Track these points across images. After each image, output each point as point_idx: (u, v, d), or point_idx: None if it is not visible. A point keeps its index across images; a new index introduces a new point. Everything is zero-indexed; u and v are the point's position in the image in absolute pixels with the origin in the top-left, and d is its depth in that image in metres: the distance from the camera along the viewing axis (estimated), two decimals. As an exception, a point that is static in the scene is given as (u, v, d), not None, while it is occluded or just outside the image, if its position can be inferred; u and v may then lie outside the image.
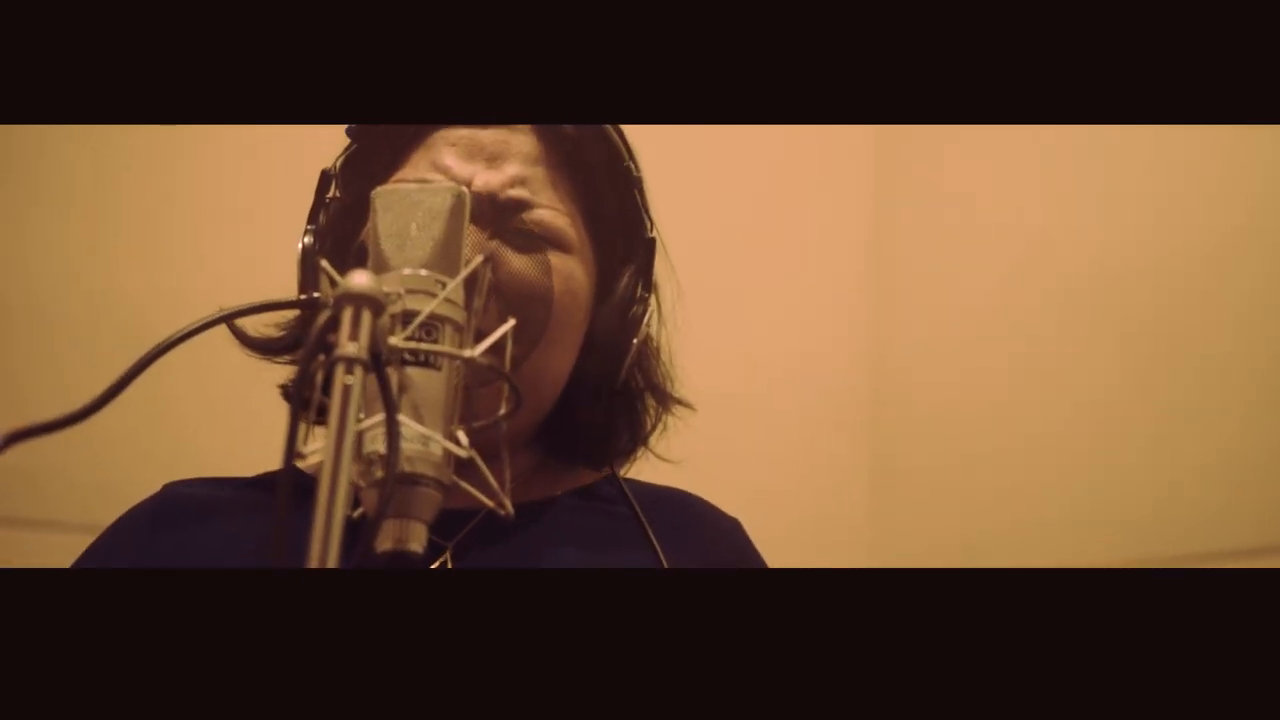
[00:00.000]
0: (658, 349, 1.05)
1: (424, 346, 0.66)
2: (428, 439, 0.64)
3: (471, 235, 0.89)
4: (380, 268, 0.69)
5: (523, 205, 0.94)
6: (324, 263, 0.68)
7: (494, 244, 0.92)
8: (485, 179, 0.94)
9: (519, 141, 0.96)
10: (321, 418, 0.59)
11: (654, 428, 1.05)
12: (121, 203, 1.79)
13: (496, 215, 0.94)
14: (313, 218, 0.97)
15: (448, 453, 0.65)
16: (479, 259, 0.72)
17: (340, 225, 0.97)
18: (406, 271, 0.68)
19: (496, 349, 0.70)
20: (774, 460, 2.01)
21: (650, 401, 1.04)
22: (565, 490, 1.01)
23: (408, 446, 0.63)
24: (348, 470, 0.57)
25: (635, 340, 0.97)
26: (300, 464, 0.61)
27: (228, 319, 0.69)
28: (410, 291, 0.67)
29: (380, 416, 0.61)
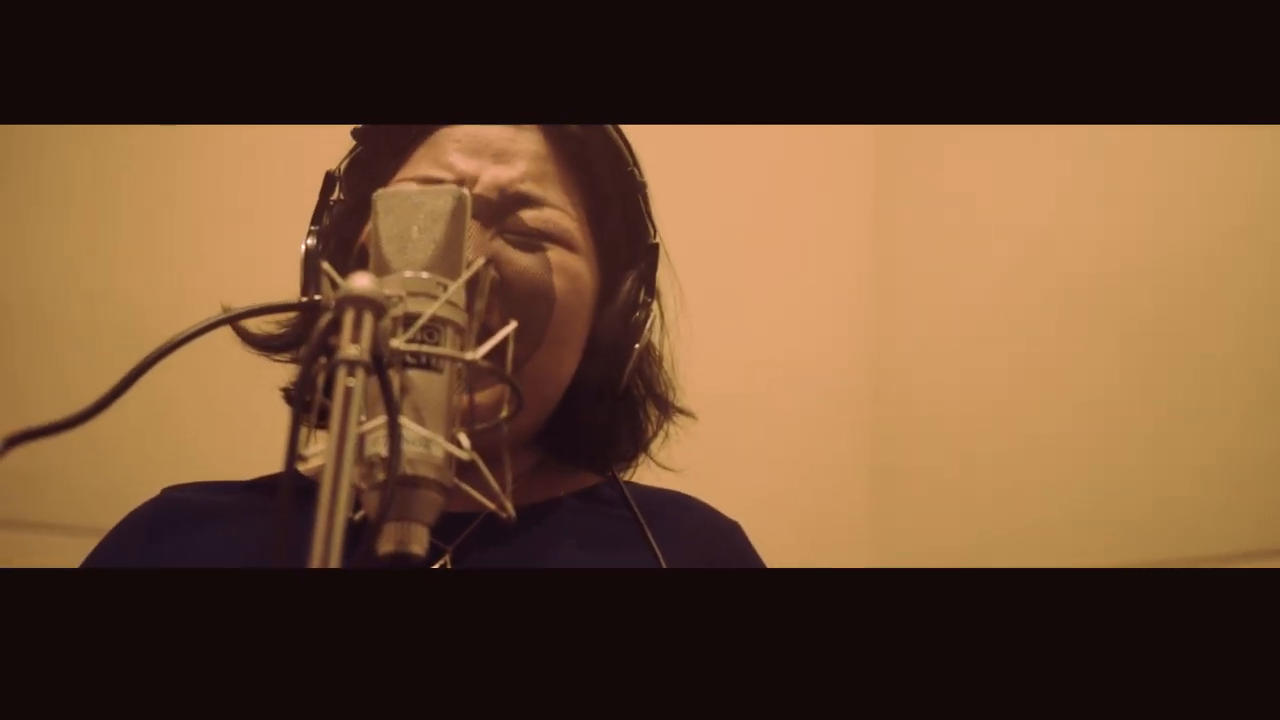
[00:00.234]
0: (660, 357, 1.05)
1: (425, 349, 0.66)
2: (429, 441, 0.64)
3: (474, 235, 0.89)
4: (381, 270, 0.69)
5: (530, 201, 0.94)
6: (326, 265, 0.68)
7: (497, 244, 0.92)
8: (494, 174, 0.94)
9: (526, 139, 0.96)
10: (322, 421, 0.59)
11: (655, 435, 1.04)
12: (121, 203, 1.79)
13: (499, 213, 0.94)
14: (316, 219, 0.97)
15: (449, 455, 0.65)
16: (480, 261, 0.72)
17: (344, 227, 0.97)
18: (408, 274, 0.68)
19: (498, 351, 0.69)
20: (774, 461, 2.01)
21: (652, 410, 1.04)
22: (566, 492, 1.01)
23: (409, 449, 0.63)
24: (349, 472, 0.57)
25: (637, 346, 0.97)
26: (300, 467, 0.61)
27: (230, 321, 0.69)
28: (412, 294, 0.67)
29: (382, 419, 0.61)
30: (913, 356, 2.09)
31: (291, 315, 0.98)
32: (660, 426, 1.04)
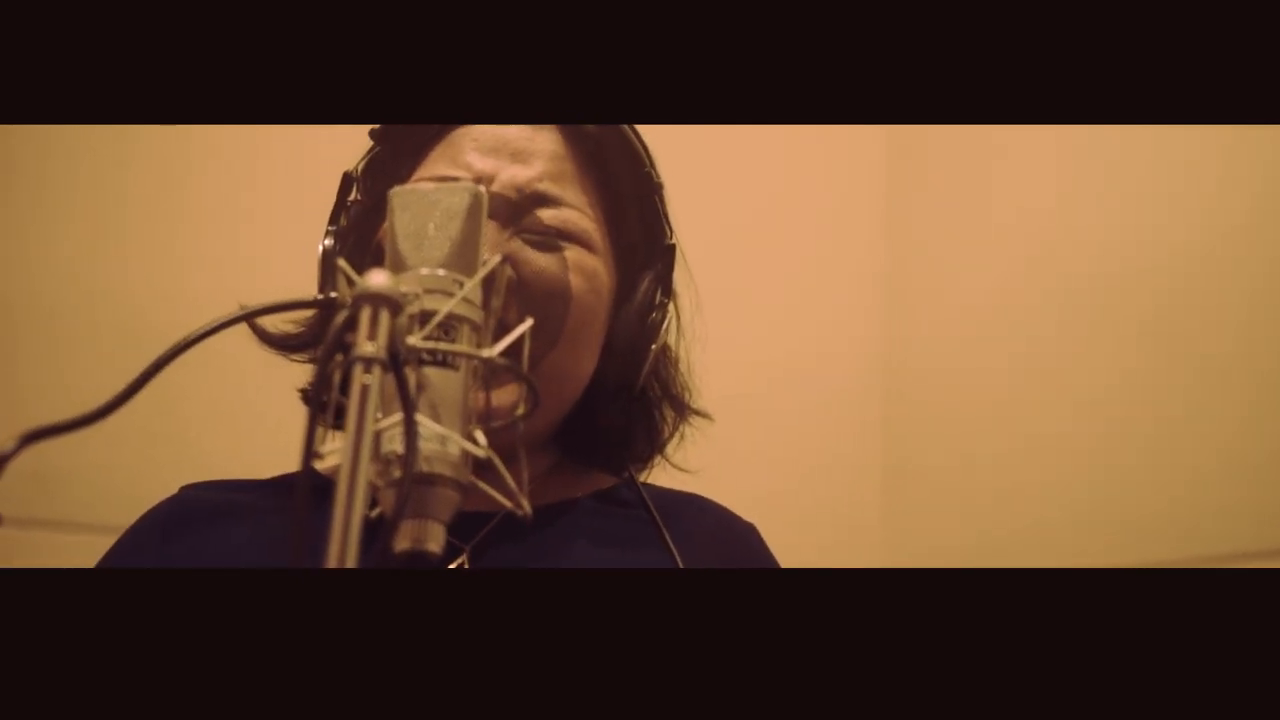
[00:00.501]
0: (676, 359, 1.05)
1: (442, 346, 0.65)
2: (445, 439, 0.64)
3: (490, 234, 0.89)
4: (398, 267, 0.68)
5: (548, 201, 0.94)
6: (342, 262, 0.68)
7: (514, 243, 0.92)
8: (511, 174, 0.94)
9: (543, 139, 0.96)
10: (338, 419, 0.59)
11: (671, 436, 1.04)
12: (125, 203, 1.79)
13: (517, 213, 0.93)
14: (333, 220, 0.97)
15: (466, 453, 0.65)
16: (496, 258, 0.72)
17: (361, 227, 0.97)
18: (424, 271, 0.68)
19: (515, 349, 0.69)
20: (787, 461, 2.01)
21: (668, 410, 1.04)
22: (583, 494, 1.01)
23: (425, 446, 0.63)
24: (366, 470, 0.57)
25: (654, 346, 0.97)
26: (317, 464, 0.60)
27: (247, 318, 0.69)
28: (428, 291, 0.67)
29: (398, 416, 0.61)
30: (926, 357, 2.08)
31: (308, 314, 0.98)
32: (676, 428, 1.04)
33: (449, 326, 0.66)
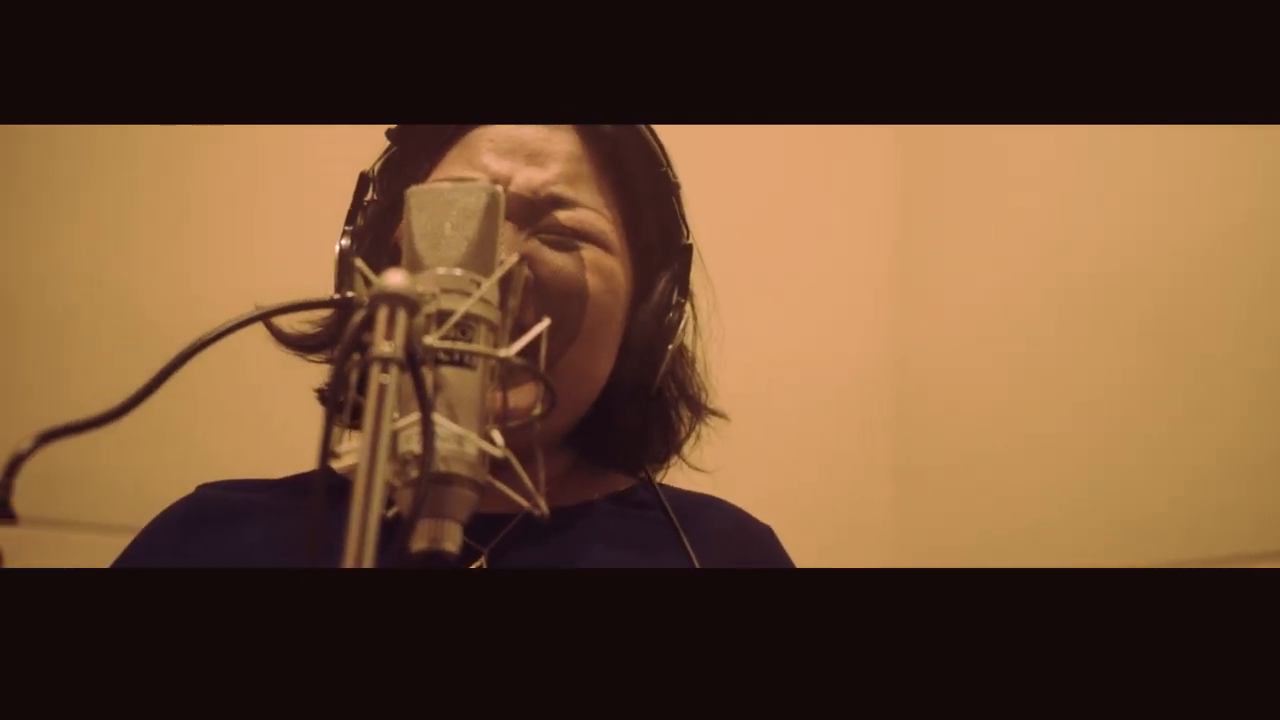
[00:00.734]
0: (693, 359, 1.05)
1: (459, 346, 0.65)
2: (462, 438, 0.64)
3: (508, 234, 0.89)
4: (414, 267, 0.68)
5: (565, 203, 0.94)
6: (359, 262, 0.68)
7: (531, 244, 0.92)
8: (528, 175, 0.94)
9: (560, 140, 0.96)
10: (355, 419, 0.59)
11: (688, 436, 1.04)
12: (129, 203, 1.79)
13: (534, 214, 0.93)
14: (350, 220, 0.97)
15: (483, 452, 0.65)
16: (514, 258, 0.72)
17: (378, 227, 0.97)
18: (441, 271, 0.68)
19: (532, 348, 0.69)
20: (798, 460, 2.01)
21: (684, 411, 1.03)
22: (600, 495, 1.00)
23: (443, 446, 0.63)
24: (383, 469, 0.56)
25: (671, 347, 0.97)
26: (334, 464, 0.60)
27: (264, 317, 0.69)
28: (445, 291, 0.66)
29: (415, 416, 0.61)
30: (937, 357, 2.08)
31: (325, 314, 0.98)
32: (692, 428, 1.04)
33: (466, 326, 0.66)
